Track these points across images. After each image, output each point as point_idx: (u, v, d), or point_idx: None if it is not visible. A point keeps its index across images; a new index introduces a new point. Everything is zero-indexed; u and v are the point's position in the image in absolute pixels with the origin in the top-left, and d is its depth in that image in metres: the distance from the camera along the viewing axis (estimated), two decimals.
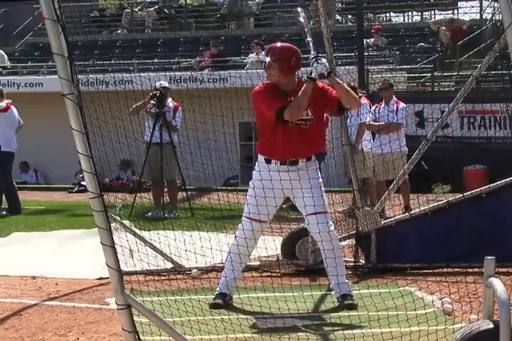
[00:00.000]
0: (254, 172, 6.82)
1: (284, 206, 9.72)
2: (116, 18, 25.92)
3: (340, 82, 6.74)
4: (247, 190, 6.88)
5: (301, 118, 6.66)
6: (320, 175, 6.82)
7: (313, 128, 6.72)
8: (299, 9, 7.17)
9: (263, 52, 22.32)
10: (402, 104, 12.88)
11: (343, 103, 6.64)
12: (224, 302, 6.70)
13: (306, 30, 6.86)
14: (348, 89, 6.63)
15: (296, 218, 9.41)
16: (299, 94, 6.52)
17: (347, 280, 6.83)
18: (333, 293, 6.86)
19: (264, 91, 6.72)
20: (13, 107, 14.13)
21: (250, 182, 6.82)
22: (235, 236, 6.85)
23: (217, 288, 6.83)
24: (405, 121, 13.01)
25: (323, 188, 6.77)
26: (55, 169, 21.76)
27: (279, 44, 6.90)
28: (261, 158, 6.80)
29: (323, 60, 6.53)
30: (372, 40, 21.34)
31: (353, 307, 6.59)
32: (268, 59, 6.69)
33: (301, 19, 7.01)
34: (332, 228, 6.74)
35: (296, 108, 6.52)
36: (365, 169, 12.32)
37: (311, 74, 6.51)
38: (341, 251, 6.85)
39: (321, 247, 6.75)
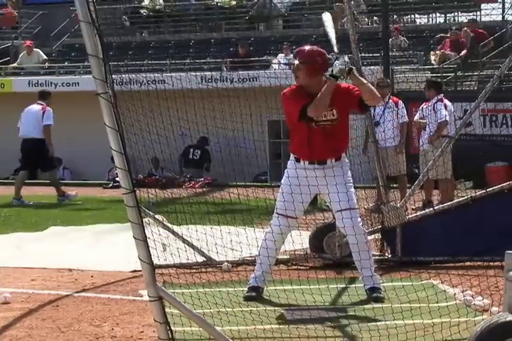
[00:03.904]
0: (286, 170, 6.98)
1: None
2: (150, 20, 26.15)
3: (361, 78, 6.83)
4: (275, 186, 7.03)
5: (325, 118, 6.79)
6: (349, 173, 6.91)
7: (338, 127, 6.84)
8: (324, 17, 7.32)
9: (291, 55, 22.50)
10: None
11: (365, 99, 6.73)
12: (257, 294, 6.84)
13: (328, 31, 7.00)
14: (369, 85, 6.73)
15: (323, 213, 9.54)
16: (322, 91, 6.64)
17: (375, 274, 6.91)
18: (361, 285, 6.96)
19: (291, 93, 6.86)
20: (47, 109, 14.75)
21: (282, 180, 6.98)
22: (266, 232, 7.00)
23: (250, 282, 6.97)
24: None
25: (351, 184, 6.86)
26: (88, 166, 21.99)
27: (306, 47, 7.03)
28: (292, 156, 6.98)
29: (345, 58, 6.62)
30: (398, 40, 21.42)
31: (379, 300, 6.69)
32: (296, 61, 6.85)
33: (327, 23, 7.15)
34: (359, 223, 6.84)
35: (318, 104, 6.63)
36: (399, 165, 12.51)
37: (332, 71, 6.64)
38: (368, 245, 6.91)
39: (349, 241, 6.92)
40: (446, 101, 12.90)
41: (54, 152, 15.48)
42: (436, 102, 12.77)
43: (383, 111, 12.85)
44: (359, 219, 6.89)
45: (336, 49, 6.76)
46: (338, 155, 6.88)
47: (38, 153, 15.29)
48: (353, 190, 6.89)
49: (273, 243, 6.89)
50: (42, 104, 15.45)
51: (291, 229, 6.99)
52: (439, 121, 12.61)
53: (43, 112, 15.22)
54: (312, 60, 6.78)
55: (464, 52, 20.05)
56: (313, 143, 6.77)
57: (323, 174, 6.74)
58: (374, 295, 6.77)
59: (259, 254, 7.01)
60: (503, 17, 22.59)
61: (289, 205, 6.82)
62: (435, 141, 12.39)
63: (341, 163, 6.88)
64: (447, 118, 12.64)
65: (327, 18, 7.18)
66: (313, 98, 6.68)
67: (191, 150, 20.97)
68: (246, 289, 6.92)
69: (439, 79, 14.91)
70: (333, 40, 6.88)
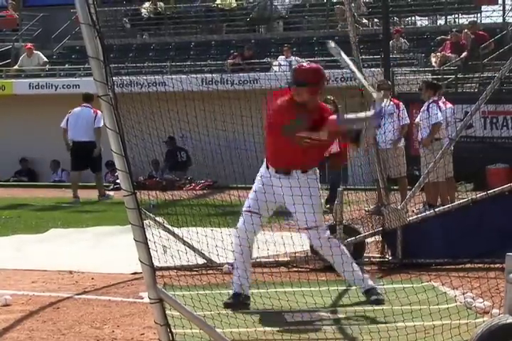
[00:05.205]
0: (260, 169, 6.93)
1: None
2: (151, 22, 26.19)
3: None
4: None
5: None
6: (317, 185, 6.74)
7: (316, 147, 6.67)
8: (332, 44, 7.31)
9: (292, 57, 22.52)
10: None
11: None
12: (237, 302, 6.66)
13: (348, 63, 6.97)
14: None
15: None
16: (320, 134, 6.51)
17: (365, 276, 6.83)
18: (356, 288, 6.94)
19: (282, 106, 6.67)
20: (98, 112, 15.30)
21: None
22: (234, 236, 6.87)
23: (233, 288, 6.81)
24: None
25: (315, 198, 6.65)
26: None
27: (307, 67, 6.84)
28: (265, 161, 6.92)
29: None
30: (399, 42, 21.47)
31: (379, 302, 6.65)
32: (290, 82, 6.70)
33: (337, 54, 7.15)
34: (324, 240, 6.68)
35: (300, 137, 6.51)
36: (399, 167, 12.51)
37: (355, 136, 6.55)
38: (342, 256, 6.71)
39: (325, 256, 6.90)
40: (440, 103, 12.88)
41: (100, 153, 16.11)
42: (430, 103, 12.74)
43: (384, 113, 12.83)
44: (326, 234, 6.75)
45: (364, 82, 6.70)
46: (305, 169, 6.74)
47: (89, 155, 15.93)
48: (318, 202, 6.72)
49: (240, 243, 6.74)
50: (90, 107, 16.13)
51: (255, 227, 6.75)
52: (432, 122, 12.53)
53: (95, 115, 15.83)
54: (315, 81, 6.62)
55: (464, 54, 20.08)
56: (282, 153, 6.66)
57: (288, 184, 6.62)
58: (373, 298, 6.73)
59: (234, 259, 6.87)
60: (504, 19, 22.66)
61: (253, 202, 6.74)
62: (428, 144, 12.34)
63: (306, 175, 6.71)
64: (441, 119, 12.59)
65: (333, 48, 7.15)
66: (305, 110, 6.57)
67: (178, 153, 20.90)
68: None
69: (435, 81, 14.87)
70: (358, 74, 6.83)
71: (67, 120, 16.55)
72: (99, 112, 15.59)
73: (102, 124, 15.56)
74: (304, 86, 6.58)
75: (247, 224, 6.74)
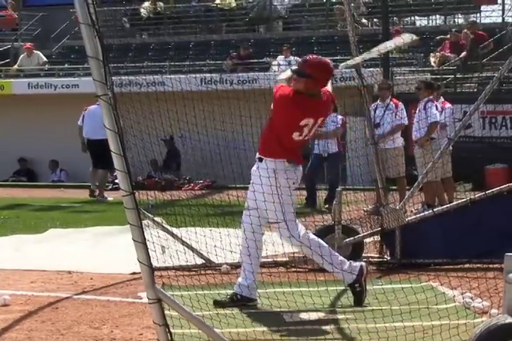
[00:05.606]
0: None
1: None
2: (151, 22, 26.19)
3: None
4: None
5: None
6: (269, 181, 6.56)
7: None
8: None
9: (292, 57, 22.50)
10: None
11: None
12: (233, 304, 6.62)
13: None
14: None
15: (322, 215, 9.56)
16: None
17: (344, 269, 6.69)
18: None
19: (290, 101, 6.62)
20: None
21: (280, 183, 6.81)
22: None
23: (237, 288, 6.73)
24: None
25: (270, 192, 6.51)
26: (85, 168, 21.98)
27: (316, 59, 6.79)
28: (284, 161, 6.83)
29: None
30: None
31: (356, 294, 6.64)
32: (296, 68, 6.75)
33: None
34: (290, 234, 6.61)
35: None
36: (398, 167, 12.50)
37: None
38: (312, 251, 6.68)
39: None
40: (436, 103, 12.88)
41: None
42: (427, 103, 12.73)
43: (383, 113, 12.86)
44: (291, 230, 6.66)
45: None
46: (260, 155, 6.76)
47: (104, 153, 15.76)
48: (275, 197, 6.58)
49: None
50: None
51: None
52: (430, 121, 12.51)
53: None
54: (317, 76, 6.61)
55: (463, 54, 20.08)
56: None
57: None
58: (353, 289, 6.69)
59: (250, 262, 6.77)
60: (503, 19, 22.66)
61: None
62: (425, 144, 12.32)
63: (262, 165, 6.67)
64: (439, 118, 12.59)
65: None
66: (309, 98, 6.61)
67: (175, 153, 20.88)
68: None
69: (434, 81, 14.87)
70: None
71: (83, 117, 16.43)
72: None
73: None
74: (303, 77, 6.61)
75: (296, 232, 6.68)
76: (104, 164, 15.93)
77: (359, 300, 6.71)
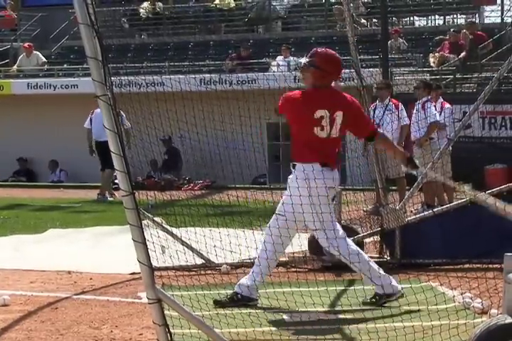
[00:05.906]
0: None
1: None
2: (150, 22, 26.19)
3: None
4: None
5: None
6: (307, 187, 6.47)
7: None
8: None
9: (291, 57, 22.46)
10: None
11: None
12: (233, 304, 6.61)
13: None
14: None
15: None
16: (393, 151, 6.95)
17: (376, 282, 6.65)
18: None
19: (296, 96, 6.67)
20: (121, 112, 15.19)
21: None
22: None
23: (237, 288, 6.73)
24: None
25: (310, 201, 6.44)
26: (84, 168, 21.98)
27: (326, 51, 6.85)
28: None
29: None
30: (397, 42, 21.52)
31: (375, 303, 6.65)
32: (304, 60, 6.75)
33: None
34: (328, 244, 6.64)
35: None
36: (398, 168, 12.48)
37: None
38: (352, 256, 6.65)
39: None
40: (435, 103, 12.86)
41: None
42: (426, 103, 12.71)
43: (383, 113, 12.85)
44: (330, 238, 6.70)
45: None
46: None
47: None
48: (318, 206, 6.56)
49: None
50: None
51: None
52: (430, 121, 12.50)
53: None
54: (325, 68, 6.63)
55: (462, 54, 20.09)
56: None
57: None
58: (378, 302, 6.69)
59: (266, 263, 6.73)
60: (502, 19, 22.67)
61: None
62: (424, 143, 12.31)
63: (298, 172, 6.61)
64: (438, 118, 12.57)
65: None
66: (317, 94, 6.61)
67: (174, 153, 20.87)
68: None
69: (432, 81, 14.87)
70: None
71: (91, 120, 16.46)
72: (121, 112, 15.44)
73: (127, 124, 15.41)
74: (311, 67, 6.62)
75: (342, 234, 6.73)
76: (111, 164, 15.88)
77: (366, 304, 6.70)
